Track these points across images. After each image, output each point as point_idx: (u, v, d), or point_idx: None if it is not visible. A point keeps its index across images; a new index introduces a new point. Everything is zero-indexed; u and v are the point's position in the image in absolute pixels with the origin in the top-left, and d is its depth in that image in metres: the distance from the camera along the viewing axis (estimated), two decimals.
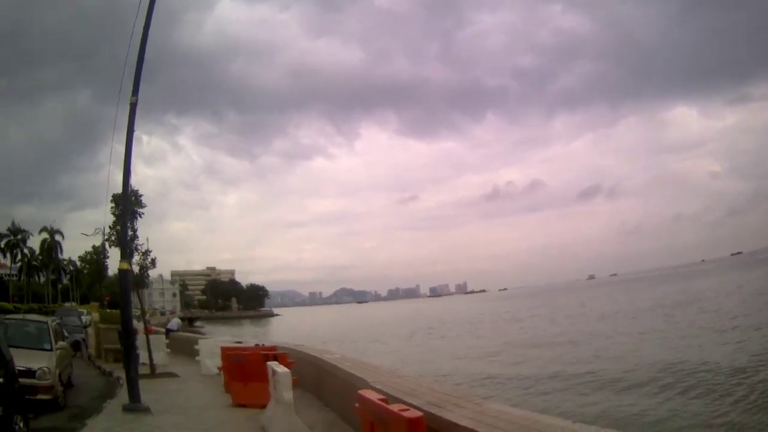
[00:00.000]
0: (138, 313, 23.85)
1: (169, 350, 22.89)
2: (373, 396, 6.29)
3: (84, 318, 35.87)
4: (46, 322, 15.64)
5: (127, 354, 12.67)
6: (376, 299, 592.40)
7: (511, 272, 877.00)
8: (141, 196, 19.31)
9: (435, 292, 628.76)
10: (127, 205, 13.02)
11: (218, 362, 16.60)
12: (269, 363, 10.80)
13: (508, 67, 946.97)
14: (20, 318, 17.56)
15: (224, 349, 14.98)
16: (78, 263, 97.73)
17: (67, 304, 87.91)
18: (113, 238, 19.26)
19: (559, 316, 63.92)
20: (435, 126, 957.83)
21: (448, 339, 51.21)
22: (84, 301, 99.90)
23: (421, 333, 61.89)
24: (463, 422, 5.45)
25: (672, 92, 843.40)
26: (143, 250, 19.60)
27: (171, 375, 18.94)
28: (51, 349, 14.25)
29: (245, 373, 12.85)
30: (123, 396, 12.92)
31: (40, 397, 11.86)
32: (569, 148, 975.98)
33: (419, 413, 5.24)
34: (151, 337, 22.85)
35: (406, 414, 5.13)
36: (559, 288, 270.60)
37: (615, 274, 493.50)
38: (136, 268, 19.40)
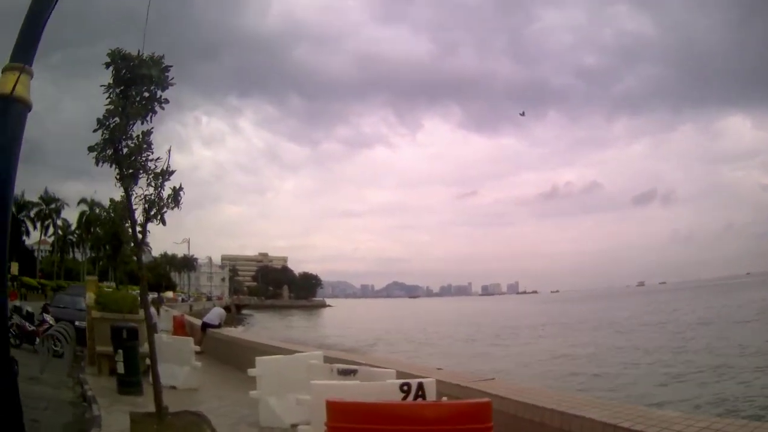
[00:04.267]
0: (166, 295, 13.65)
1: (199, 363, 12.96)
2: None
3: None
4: None
5: None
6: (428, 295, 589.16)
7: (562, 274, 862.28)
8: (169, 67, 9.19)
9: (487, 291, 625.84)
10: None
11: (290, 405, 7.63)
12: None
13: (573, 65, 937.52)
14: None
15: (335, 408, 4.93)
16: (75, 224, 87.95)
17: (104, 284, 79.35)
18: (105, 141, 9.12)
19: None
20: (497, 121, 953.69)
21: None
22: (132, 281, 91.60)
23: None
24: None
25: (728, 101, 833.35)
26: (159, 170, 9.38)
27: (195, 420, 9.08)
28: None
29: None
30: None
31: None
32: (628, 151, 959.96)
33: None
34: (170, 340, 13.24)
35: None
36: (613, 293, 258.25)
37: (664, 282, 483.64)
38: (139, 206, 9.32)
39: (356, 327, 74.01)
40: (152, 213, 9.29)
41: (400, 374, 7.31)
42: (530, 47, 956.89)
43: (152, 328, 9.43)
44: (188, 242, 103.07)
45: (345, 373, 7.75)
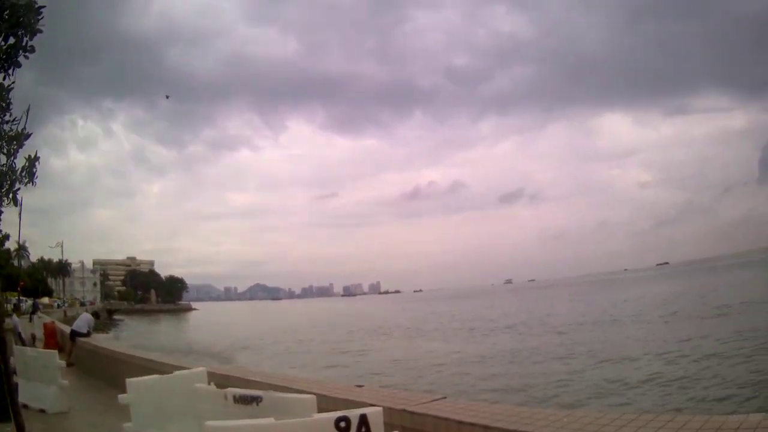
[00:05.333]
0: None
1: (66, 382, 10.96)
2: None
3: None
4: None
5: None
6: (290, 296, 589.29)
7: (426, 274, 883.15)
8: (41, 8, 7.18)
9: (348, 291, 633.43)
10: None
11: None
12: None
13: (443, 66, 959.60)
14: None
15: None
16: None
17: None
18: None
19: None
20: (361, 122, 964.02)
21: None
22: (28, 294, 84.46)
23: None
24: None
25: (608, 100, 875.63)
26: (13, 132, 7.31)
27: None
28: None
29: None
30: None
31: None
32: (494, 150, 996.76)
33: None
34: (34, 353, 11.39)
35: None
36: (478, 292, 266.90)
37: (533, 280, 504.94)
38: None
39: (223, 331, 72.82)
40: (2, 190, 7.26)
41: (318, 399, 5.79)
42: (399, 48, 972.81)
43: (2, 343, 7.44)
44: (62, 246, 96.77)
45: (245, 401, 6.06)
